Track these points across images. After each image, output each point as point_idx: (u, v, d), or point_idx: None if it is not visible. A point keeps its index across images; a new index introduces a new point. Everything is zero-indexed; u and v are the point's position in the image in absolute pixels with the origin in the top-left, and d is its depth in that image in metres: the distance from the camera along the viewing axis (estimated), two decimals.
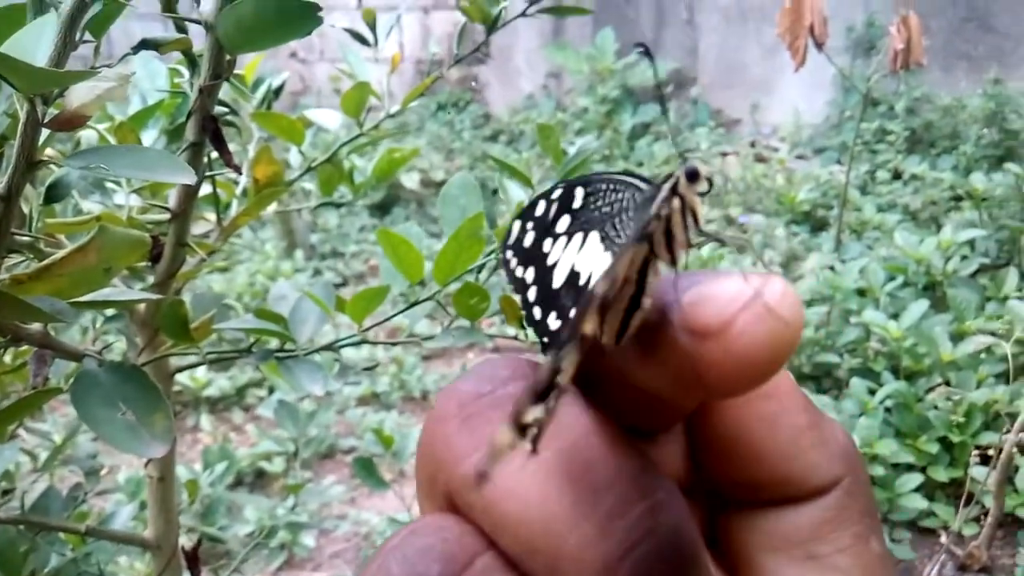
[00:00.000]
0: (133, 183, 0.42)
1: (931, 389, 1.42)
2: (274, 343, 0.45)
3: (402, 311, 0.46)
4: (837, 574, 0.17)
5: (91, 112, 0.26)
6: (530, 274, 0.20)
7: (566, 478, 0.15)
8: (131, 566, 1.01)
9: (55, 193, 0.35)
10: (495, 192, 0.52)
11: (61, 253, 0.29)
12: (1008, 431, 1.16)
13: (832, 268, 1.82)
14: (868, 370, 1.58)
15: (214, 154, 0.40)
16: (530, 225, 0.20)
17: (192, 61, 0.38)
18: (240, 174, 0.44)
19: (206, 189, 0.46)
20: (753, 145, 3.11)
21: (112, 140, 0.44)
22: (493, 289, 0.45)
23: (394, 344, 0.51)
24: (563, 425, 0.15)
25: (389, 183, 2.72)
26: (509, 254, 0.20)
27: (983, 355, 1.45)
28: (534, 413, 0.14)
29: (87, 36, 0.27)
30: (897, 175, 2.63)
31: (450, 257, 0.43)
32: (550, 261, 0.20)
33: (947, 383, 1.46)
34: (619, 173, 0.19)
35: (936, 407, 1.42)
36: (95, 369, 0.34)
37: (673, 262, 0.17)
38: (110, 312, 0.45)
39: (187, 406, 1.93)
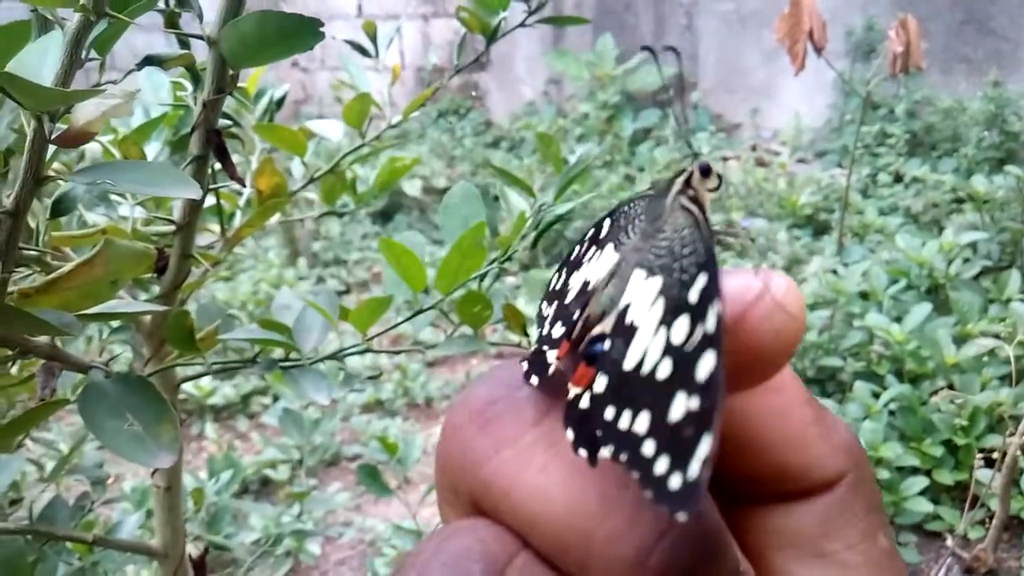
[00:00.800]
0: (138, 195, 0.42)
1: (935, 392, 1.42)
2: (279, 352, 0.45)
3: (406, 320, 0.46)
4: (846, 571, 0.17)
5: (97, 129, 0.27)
6: (553, 308, 0.21)
7: (589, 474, 0.15)
8: (138, 575, 1.01)
9: (61, 207, 0.35)
10: (496, 199, 0.52)
11: (68, 266, 0.29)
12: (1012, 433, 1.16)
13: (835, 272, 1.82)
14: (872, 373, 1.58)
15: (218, 166, 0.40)
16: (564, 271, 0.21)
17: (195, 75, 0.39)
18: (243, 186, 0.44)
19: (210, 201, 0.46)
20: (754, 149, 3.11)
21: (116, 152, 0.45)
22: (496, 297, 0.45)
23: (398, 352, 0.52)
24: None
25: (391, 191, 2.73)
26: (544, 304, 0.21)
27: (986, 358, 1.45)
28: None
29: (92, 54, 0.28)
30: (898, 178, 2.63)
31: (453, 266, 0.43)
32: (570, 284, 0.21)
33: (951, 386, 1.46)
34: (646, 190, 0.20)
35: (940, 410, 1.42)
36: (102, 380, 0.34)
37: None
38: (116, 323, 0.45)
39: (192, 414, 1.94)
